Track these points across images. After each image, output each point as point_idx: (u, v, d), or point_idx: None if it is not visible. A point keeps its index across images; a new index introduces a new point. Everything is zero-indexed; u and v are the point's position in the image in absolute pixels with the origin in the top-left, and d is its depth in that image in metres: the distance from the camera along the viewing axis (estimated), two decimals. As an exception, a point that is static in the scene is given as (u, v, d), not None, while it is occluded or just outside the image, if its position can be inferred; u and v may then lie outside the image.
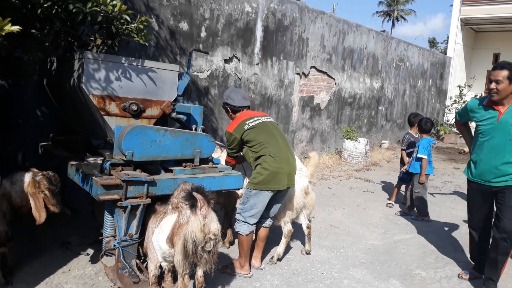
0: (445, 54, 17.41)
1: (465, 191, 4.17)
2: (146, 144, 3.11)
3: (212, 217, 2.79)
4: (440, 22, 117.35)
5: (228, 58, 7.07)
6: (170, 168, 3.37)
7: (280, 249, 4.14)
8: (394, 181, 6.64)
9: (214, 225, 2.78)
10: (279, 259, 4.12)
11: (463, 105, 14.64)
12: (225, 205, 4.39)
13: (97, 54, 3.22)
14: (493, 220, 3.77)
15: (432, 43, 41.20)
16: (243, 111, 3.81)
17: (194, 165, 3.41)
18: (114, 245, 3.18)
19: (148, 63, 3.33)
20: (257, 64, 7.72)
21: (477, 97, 4.13)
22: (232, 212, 4.36)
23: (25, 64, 3.99)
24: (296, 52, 8.63)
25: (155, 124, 3.40)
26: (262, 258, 4.01)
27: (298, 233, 4.56)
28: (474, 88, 15.79)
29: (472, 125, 4.03)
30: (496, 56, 17.51)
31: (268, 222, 3.87)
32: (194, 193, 2.76)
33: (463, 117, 4.02)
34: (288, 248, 4.37)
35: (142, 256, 3.49)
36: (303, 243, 4.43)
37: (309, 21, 8.85)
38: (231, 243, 4.36)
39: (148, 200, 3.11)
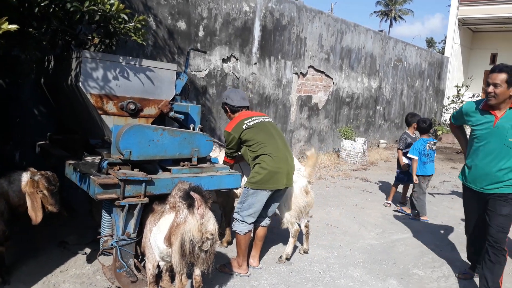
0: (443, 54, 17.44)
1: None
2: (143, 143, 3.10)
3: (209, 217, 2.79)
4: (438, 22, 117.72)
5: (226, 58, 7.07)
6: (168, 167, 3.37)
7: (288, 248, 4.15)
8: (392, 181, 6.65)
9: (212, 225, 2.78)
10: (287, 259, 4.13)
11: (460, 105, 14.70)
12: (223, 204, 4.39)
13: (95, 53, 3.21)
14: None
15: (430, 43, 41.26)
16: (241, 111, 3.82)
17: (192, 165, 3.41)
18: (112, 244, 3.18)
19: (145, 62, 3.33)
20: (255, 63, 7.72)
21: (475, 97, 4.02)
22: (230, 211, 4.36)
23: (22, 63, 3.98)
24: (294, 52, 8.63)
25: (153, 123, 3.39)
26: (260, 257, 4.02)
27: (296, 232, 4.57)
28: (471, 88, 15.82)
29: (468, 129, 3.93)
30: (494, 56, 17.54)
31: (266, 221, 3.87)
32: (192, 193, 2.76)
33: (458, 120, 3.90)
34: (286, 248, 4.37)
35: (140, 255, 3.49)
36: (301, 242, 4.43)
37: (307, 20, 8.85)
38: (229, 243, 4.36)
39: (146, 200, 3.11)
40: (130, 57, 3.27)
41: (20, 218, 3.25)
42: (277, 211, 3.98)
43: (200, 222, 2.72)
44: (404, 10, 54.86)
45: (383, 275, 4.02)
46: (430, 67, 14.90)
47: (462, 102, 14.91)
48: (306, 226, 4.29)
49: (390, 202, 6.49)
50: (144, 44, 3.73)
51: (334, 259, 4.29)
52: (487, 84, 3.43)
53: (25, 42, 3.31)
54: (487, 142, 3.46)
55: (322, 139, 10.07)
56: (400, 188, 6.72)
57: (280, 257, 4.13)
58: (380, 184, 7.92)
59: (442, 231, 5.43)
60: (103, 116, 3.18)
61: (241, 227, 3.66)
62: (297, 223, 4.15)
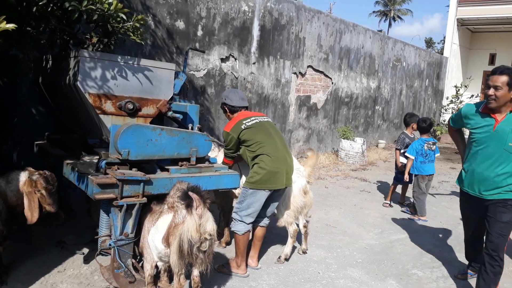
0: (442, 54, 17.46)
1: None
2: (142, 143, 3.10)
3: (207, 217, 2.78)
4: (437, 22, 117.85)
5: (224, 57, 7.06)
6: (166, 167, 3.36)
7: (287, 249, 4.14)
8: (391, 181, 6.65)
9: (210, 225, 2.78)
10: (286, 259, 4.12)
11: (459, 106, 14.70)
12: (222, 205, 4.38)
13: (93, 52, 3.20)
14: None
15: (429, 43, 41.28)
16: (240, 111, 3.82)
17: (191, 164, 3.40)
18: (110, 245, 3.17)
19: (144, 62, 3.32)
20: (254, 63, 7.71)
21: (473, 97, 3.93)
22: (229, 212, 4.35)
23: (20, 62, 3.96)
24: (293, 52, 8.63)
25: (151, 123, 3.38)
26: (259, 257, 4.01)
27: (294, 232, 4.56)
28: (470, 88, 15.82)
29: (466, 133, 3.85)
30: (492, 57, 17.57)
31: (265, 221, 3.87)
32: (190, 193, 2.75)
33: (457, 123, 3.79)
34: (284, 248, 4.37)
35: (138, 256, 3.48)
36: (300, 243, 4.42)
37: (306, 20, 8.85)
38: (228, 243, 4.35)
39: (144, 199, 3.10)
40: (129, 57, 3.26)
41: (18, 218, 3.23)
42: (275, 211, 3.97)
43: (199, 223, 2.71)
44: (403, 10, 54.94)
45: (382, 275, 4.02)
46: (429, 67, 14.91)
47: (461, 102, 14.92)
48: (305, 226, 4.29)
49: (389, 202, 6.49)
50: (143, 43, 3.73)
51: (333, 260, 4.28)
52: (487, 86, 3.31)
53: (23, 41, 3.30)
54: (486, 146, 3.35)
55: (321, 139, 10.06)
56: (399, 188, 6.72)
57: (279, 257, 4.12)
58: (379, 184, 7.92)
59: (441, 232, 5.43)
60: (101, 116, 3.17)
61: (239, 227, 3.66)
62: (296, 223, 4.15)
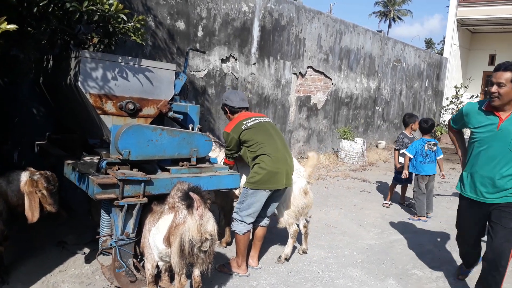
0: (442, 55, 17.47)
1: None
2: (142, 143, 3.10)
3: (208, 217, 2.78)
4: (437, 22, 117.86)
5: (225, 58, 7.07)
6: (167, 167, 3.37)
7: (287, 249, 4.15)
8: (391, 181, 6.66)
9: (211, 225, 2.78)
10: (286, 259, 4.13)
11: (459, 106, 14.69)
12: (222, 205, 4.39)
13: (94, 53, 3.21)
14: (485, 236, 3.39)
15: (429, 43, 41.26)
16: (241, 112, 3.83)
17: (191, 165, 3.41)
18: (111, 244, 3.18)
19: (145, 62, 3.33)
20: (254, 63, 7.72)
21: (473, 98, 3.72)
22: (230, 212, 4.36)
23: (21, 62, 3.98)
24: (293, 52, 8.64)
25: (151, 123, 3.39)
26: (260, 257, 4.02)
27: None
28: (470, 89, 15.84)
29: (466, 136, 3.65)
30: (492, 57, 17.59)
31: (265, 221, 3.87)
32: (191, 193, 2.76)
33: (458, 122, 3.58)
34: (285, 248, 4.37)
35: (139, 255, 3.49)
36: (300, 243, 4.43)
37: (306, 21, 8.86)
38: (229, 244, 4.36)
39: (145, 200, 3.10)
40: (129, 57, 3.27)
41: (19, 217, 3.24)
42: (276, 211, 3.98)
43: (200, 223, 2.72)
44: (403, 11, 54.93)
45: (382, 275, 4.03)
46: (429, 67, 14.92)
47: (461, 103, 14.93)
48: (305, 227, 4.29)
49: (389, 202, 6.50)
50: (143, 44, 3.73)
51: (333, 259, 4.29)
52: (490, 83, 3.12)
53: (24, 42, 3.32)
54: (489, 146, 3.16)
55: (321, 140, 10.07)
56: (398, 188, 6.73)
57: (279, 257, 4.13)
58: (379, 184, 7.93)
59: (441, 232, 5.43)
60: (102, 116, 3.18)
61: (240, 227, 3.66)
62: (296, 224, 4.15)
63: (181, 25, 6.23)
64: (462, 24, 16.92)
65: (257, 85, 7.89)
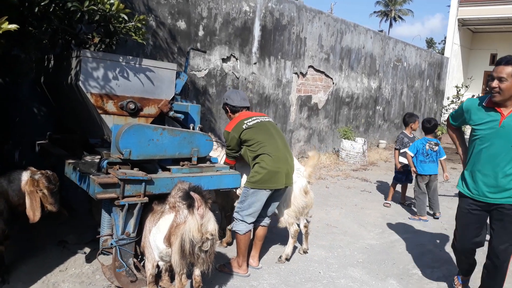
0: (443, 54, 17.45)
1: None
2: (143, 142, 3.10)
3: (209, 217, 2.78)
4: (438, 22, 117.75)
5: (226, 57, 7.07)
6: (168, 167, 3.36)
7: (288, 249, 4.15)
8: (391, 181, 6.65)
9: (211, 225, 2.78)
10: (287, 259, 4.13)
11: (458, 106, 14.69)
12: (223, 204, 4.39)
13: (95, 52, 3.21)
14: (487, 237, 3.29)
15: (430, 43, 41.21)
16: (242, 112, 3.83)
17: (192, 164, 3.41)
18: (112, 244, 3.18)
19: (145, 62, 3.33)
20: (255, 63, 7.72)
21: (474, 97, 3.60)
22: (230, 211, 4.36)
23: (22, 62, 3.98)
24: (294, 52, 8.63)
25: (152, 123, 3.39)
26: (260, 257, 4.02)
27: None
28: (471, 88, 15.83)
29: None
30: (493, 57, 17.55)
31: (266, 221, 3.87)
32: (192, 193, 2.76)
33: (458, 119, 3.43)
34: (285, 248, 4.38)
35: (140, 255, 3.49)
36: (301, 243, 4.43)
37: (307, 20, 8.85)
38: (229, 244, 4.36)
39: (146, 199, 3.10)
40: (130, 57, 3.27)
41: (19, 217, 3.25)
42: (276, 211, 3.98)
43: (200, 223, 2.72)
44: (404, 10, 54.89)
45: (383, 275, 4.02)
46: (430, 67, 14.90)
47: (461, 102, 14.91)
48: (306, 226, 4.29)
49: (390, 202, 6.49)
50: (144, 43, 3.74)
51: (333, 259, 4.29)
52: (491, 78, 3.00)
53: (25, 42, 3.32)
54: (491, 143, 3.04)
55: (322, 139, 10.06)
56: (399, 188, 6.73)
57: (280, 257, 4.13)
58: (380, 184, 7.92)
59: (441, 232, 5.43)
60: (103, 116, 3.18)
61: (240, 226, 3.66)
62: (297, 223, 4.15)
63: (182, 24, 6.23)
64: (463, 23, 16.90)
65: (258, 84, 7.89)
